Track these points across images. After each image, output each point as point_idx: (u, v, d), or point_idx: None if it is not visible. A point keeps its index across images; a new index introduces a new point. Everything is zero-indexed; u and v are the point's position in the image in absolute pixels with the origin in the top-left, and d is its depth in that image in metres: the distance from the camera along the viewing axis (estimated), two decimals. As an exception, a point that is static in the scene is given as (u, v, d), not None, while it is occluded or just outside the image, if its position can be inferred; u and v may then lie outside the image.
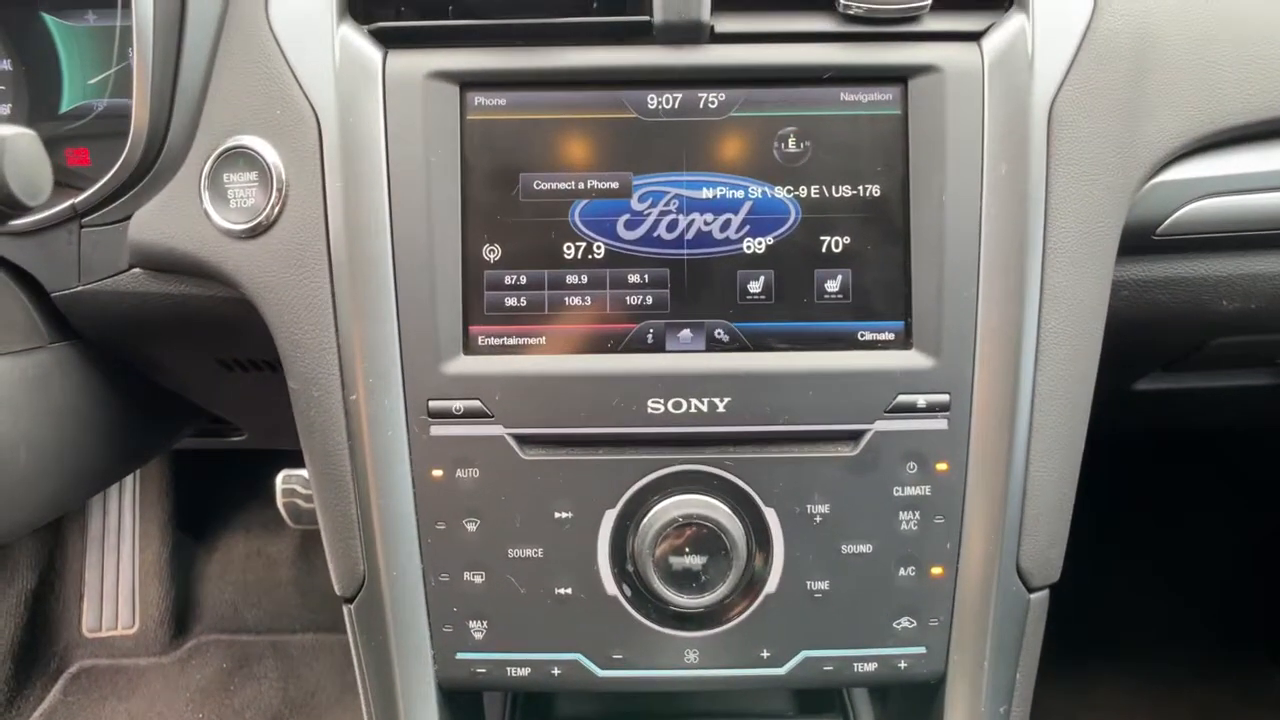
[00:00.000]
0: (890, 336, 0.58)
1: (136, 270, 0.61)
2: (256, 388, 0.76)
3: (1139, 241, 0.60)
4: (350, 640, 0.60)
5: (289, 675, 1.38)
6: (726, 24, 0.57)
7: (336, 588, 0.59)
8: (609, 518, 0.57)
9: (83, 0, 0.70)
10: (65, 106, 0.72)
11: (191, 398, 0.81)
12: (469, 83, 0.58)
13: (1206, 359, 0.69)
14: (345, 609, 0.60)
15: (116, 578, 1.44)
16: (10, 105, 0.72)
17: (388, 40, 0.58)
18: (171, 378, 0.75)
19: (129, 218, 0.60)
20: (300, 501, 1.35)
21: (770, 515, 0.57)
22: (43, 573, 1.40)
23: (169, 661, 1.40)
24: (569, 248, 0.58)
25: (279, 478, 1.33)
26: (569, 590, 0.57)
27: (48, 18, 0.71)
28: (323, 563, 1.59)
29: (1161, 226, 0.60)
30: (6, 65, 0.72)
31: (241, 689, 1.36)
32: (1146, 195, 0.59)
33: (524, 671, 0.58)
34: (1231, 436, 1.21)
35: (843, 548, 0.57)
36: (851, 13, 0.57)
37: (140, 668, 1.39)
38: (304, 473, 1.34)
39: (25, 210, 0.44)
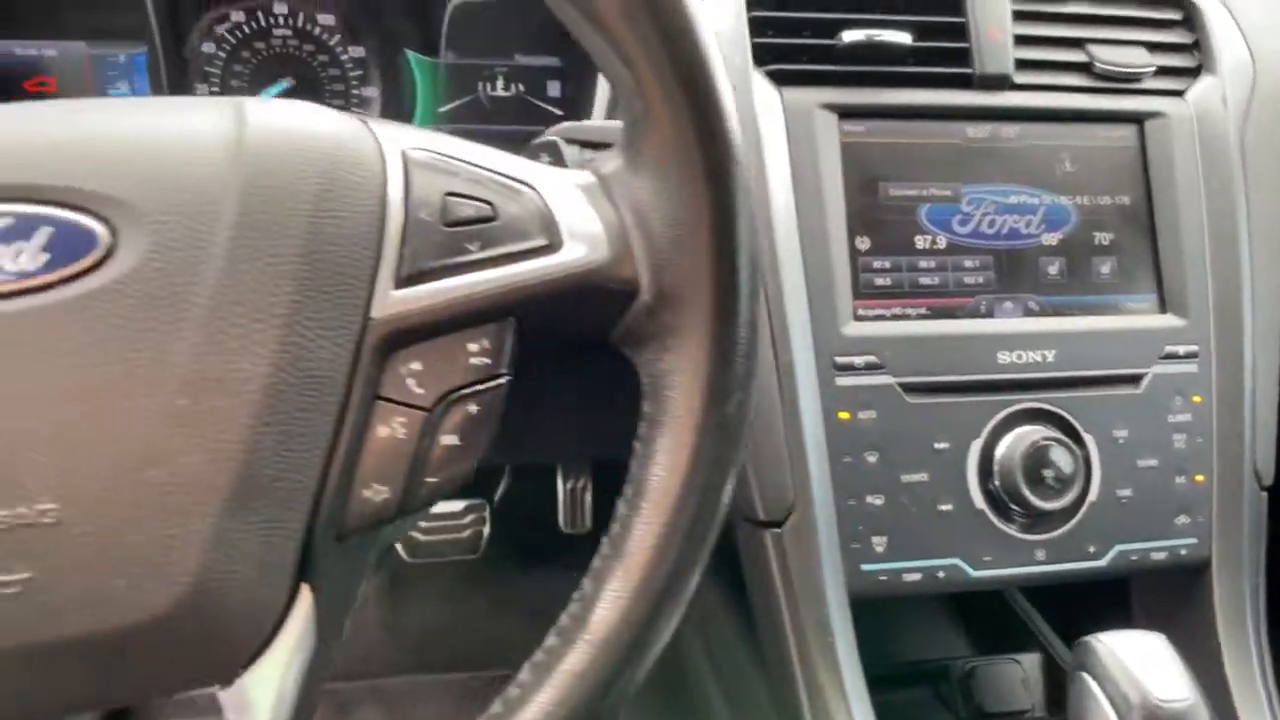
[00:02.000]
0: (1148, 305, 0.78)
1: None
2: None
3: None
4: (773, 563, 0.71)
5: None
6: (1022, 78, 0.78)
7: (763, 515, 0.70)
8: (975, 446, 0.72)
9: (448, 45, 0.81)
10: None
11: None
12: (844, 112, 0.74)
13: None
14: (770, 533, 0.71)
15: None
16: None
17: (778, 80, 0.74)
18: None
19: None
20: (418, 535, 1.38)
21: (1089, 440, 0.74)
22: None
23: (263, 716, 1.35)
24: (919, 239, 0.75)
25: (399, 512, 1.35)
26: (949, 507, 0.72)
27: (409, 53, 0.81)
28: (413, 602, 1.59)
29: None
30: (371, 92, 0.81)
31: (352, 737, 1.34)
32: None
33: (916, 577, 0.71)
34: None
35: (1138, 463, 0.75)
36: (1099, 72, 0.79)
37: (234, 724, 1.33)
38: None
39: None
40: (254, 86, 0.78)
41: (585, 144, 0.53)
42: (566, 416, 0.68)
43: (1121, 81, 0.79)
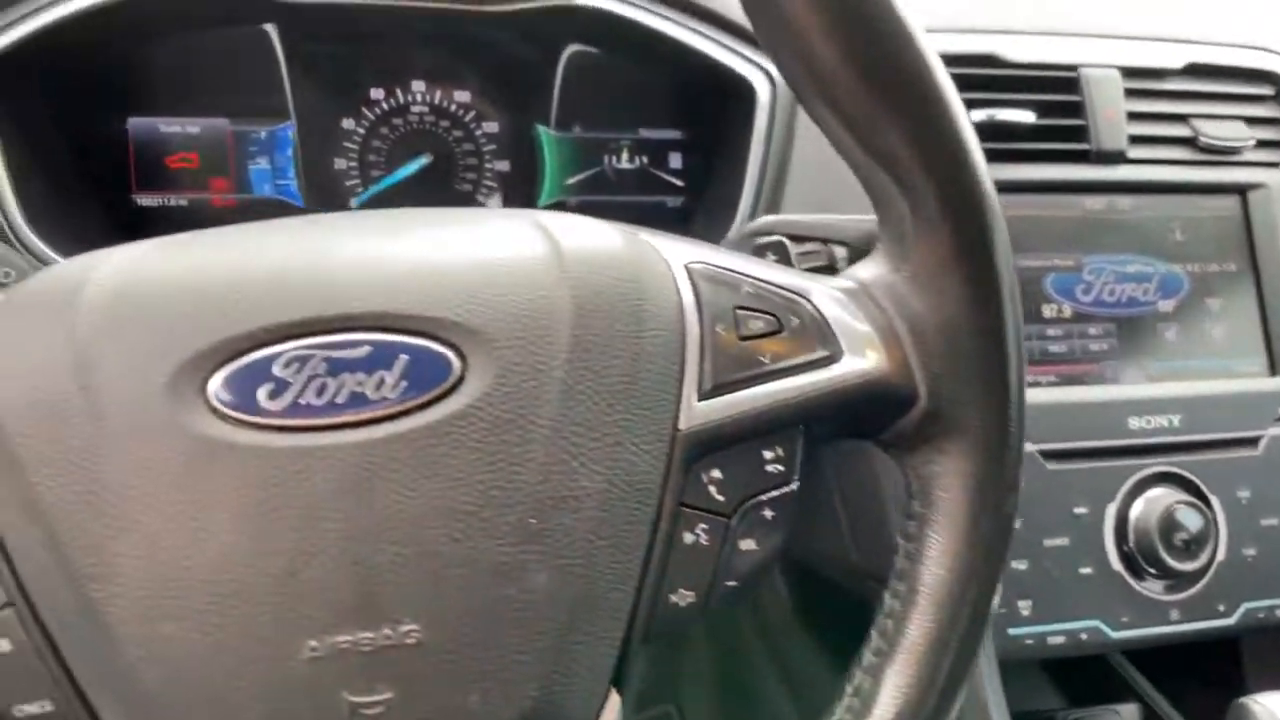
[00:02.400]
0: (1258, 368, 0.81)
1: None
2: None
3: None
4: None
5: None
6: (1134, 153, 0.81)
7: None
8: (1111, 510, 0.74)
9: (574, 118, 0.83)
10: (543, 201, 0.83)
11: None
12: (974, 187, 0.77)
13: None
14: (922, 600, 0.72)
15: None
16: (499, 197, 0.83)
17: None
18: None
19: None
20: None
21: (1215, 501, 0.76)
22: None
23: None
24: (1046, 308, 0.78)
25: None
26: (1089, 570, 0.73)
27: (540, 128, 0.83)
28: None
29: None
30: (503, 166, 0.83)
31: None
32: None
33: (1060, 640, 0.73)
34: None
35: (1261, 522, 0.77)
36: (1203, 146, 0.83)
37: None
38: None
39: None
40: (392, 161, 0.79)
41: (796, 237, 0.55)
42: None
43: (1223, 154, 0.83)
